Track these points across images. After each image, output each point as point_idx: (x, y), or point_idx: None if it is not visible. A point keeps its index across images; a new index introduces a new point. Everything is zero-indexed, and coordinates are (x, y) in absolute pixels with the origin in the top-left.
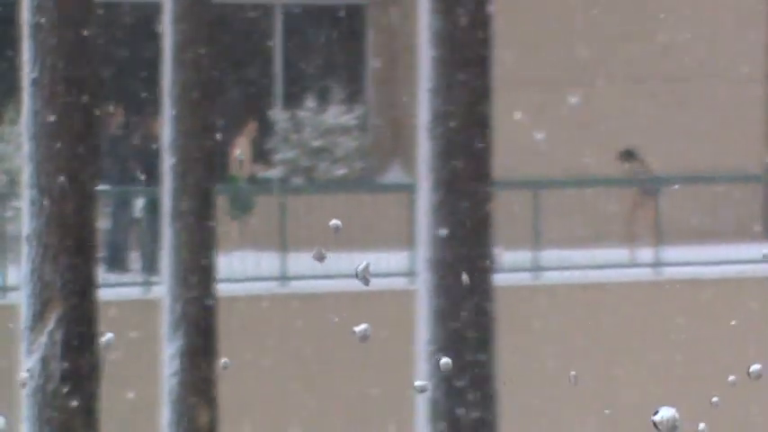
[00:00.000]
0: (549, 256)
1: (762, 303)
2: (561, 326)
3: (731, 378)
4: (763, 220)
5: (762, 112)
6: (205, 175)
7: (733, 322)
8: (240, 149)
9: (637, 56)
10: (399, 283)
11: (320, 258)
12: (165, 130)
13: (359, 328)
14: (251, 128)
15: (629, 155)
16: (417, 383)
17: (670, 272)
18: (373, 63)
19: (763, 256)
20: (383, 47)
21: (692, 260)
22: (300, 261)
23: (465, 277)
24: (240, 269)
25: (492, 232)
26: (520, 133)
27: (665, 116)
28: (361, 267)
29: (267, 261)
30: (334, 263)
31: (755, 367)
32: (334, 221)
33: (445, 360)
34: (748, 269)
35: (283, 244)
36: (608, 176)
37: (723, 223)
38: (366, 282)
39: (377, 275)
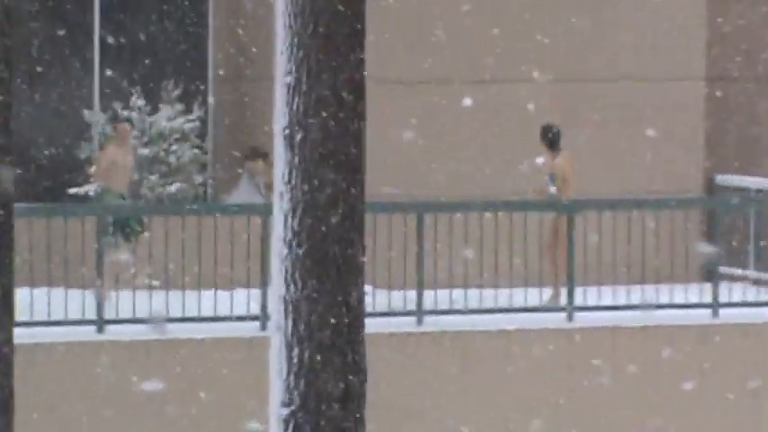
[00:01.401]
0: (436, 296)
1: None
2: (448, 379)
3: None
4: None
5: (700, 118)
6: None
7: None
8: (111, 160)
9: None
10: (250, 328)
11: (160, 327)
12: None
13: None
14: (122, 129)
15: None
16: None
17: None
18: (217, 52)
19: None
20: (229, 31)
21: (610, 304)
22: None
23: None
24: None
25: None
26: (401, 143)
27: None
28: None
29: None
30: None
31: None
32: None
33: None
34: (674, 315)
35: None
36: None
37: (649, 261)
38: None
39: (219, 319)
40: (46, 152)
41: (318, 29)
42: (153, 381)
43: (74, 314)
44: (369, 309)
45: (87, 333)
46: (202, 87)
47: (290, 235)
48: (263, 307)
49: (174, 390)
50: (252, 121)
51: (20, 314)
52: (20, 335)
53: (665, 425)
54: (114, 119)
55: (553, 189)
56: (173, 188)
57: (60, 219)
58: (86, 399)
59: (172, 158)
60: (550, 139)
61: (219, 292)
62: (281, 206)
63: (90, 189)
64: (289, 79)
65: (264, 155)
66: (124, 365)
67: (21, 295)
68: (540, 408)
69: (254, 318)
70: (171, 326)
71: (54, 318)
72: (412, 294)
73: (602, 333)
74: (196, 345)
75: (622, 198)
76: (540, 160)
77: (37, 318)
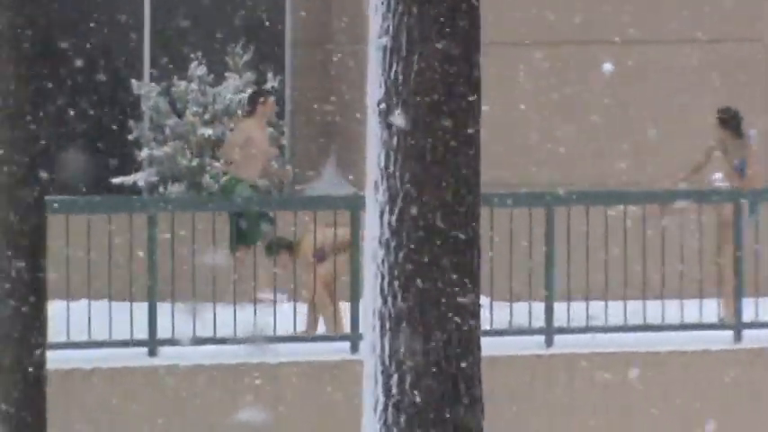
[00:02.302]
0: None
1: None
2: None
3: None
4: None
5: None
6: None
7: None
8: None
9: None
10: (338, 349)
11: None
12: None
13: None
14: (268, 104)
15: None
16: None
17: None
18: (296, 8)
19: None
20: None
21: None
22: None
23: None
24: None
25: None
26: (515, 117)
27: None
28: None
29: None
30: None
31: None
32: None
33: None
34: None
35: (151, 294)
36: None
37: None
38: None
39: (299, 339)
40: (85, 133)
41: None
42: (212, 414)
43: (120, 333)
44: (486, 326)
45: (137, 357)
46: (278, 52)
47: (387, 234)
48: (354, 324)
49: (244, 428)
50: (339, 93)
51: (54, 333)
52: (54, 359)
53: None
54: (169, 92)
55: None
56: None
57: (104, 215)
58: None
59: None
60: (736, 124)
61: (299, 305)
62: (375, 198)
63: (140, 178)
64: (385, 41)
65: None
66: (180, 396)
67: (55, 310)
68: None
69: (343, 338)
70: (237, 348)
71: (96, 338)
72: (539, 308)
73: None
74: (270, 370)
75: None
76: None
77: (75, 338)
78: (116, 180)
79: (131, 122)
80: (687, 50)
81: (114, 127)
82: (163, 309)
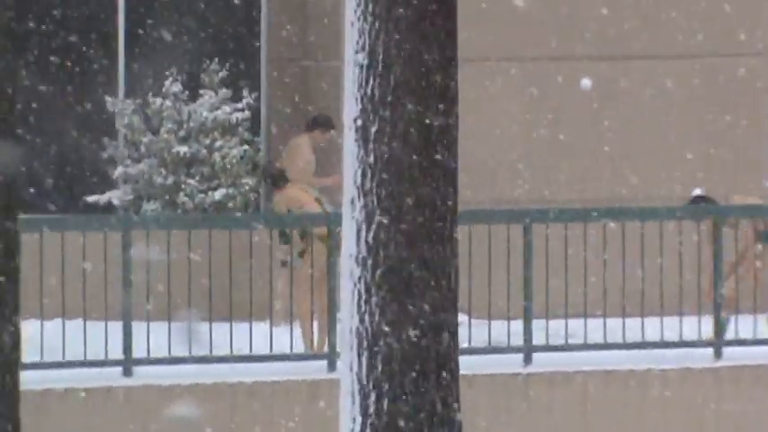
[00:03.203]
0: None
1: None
2: None
3: None
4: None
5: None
6: None
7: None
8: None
9: None
10: (314, 369)
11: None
12: None
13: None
14: (324, 136)
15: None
16: None
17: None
18: (272, 25)
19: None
20: (285, 1)
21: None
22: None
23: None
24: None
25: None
26: (495, 134)
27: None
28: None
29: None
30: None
31: None
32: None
33: None
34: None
35: (126, 314)
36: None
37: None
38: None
39: (275, 358)
40: (58, 151)
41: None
42: None
43: (95, 353)
44: (464, 344)
45: (112, 376)
46: (254, 68)
47: (363, 251)
48: (331, 343)
49: None
50: (315, 109)
51: (27, 353)
52: (27, 379)
53: None
54: (143, 108)
55: None
56: (217, 194)
57: (78, 233)
58: None
59: (216, 157)
60: None
61: (275, 326)
62: (352, 216)
63: (115, 197)
64: (361, 57)
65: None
66: (156, 416)
67: (28, 329)
68: None
69: (320, 357)
70: (216, 367)
71: (70, 357)
72: (518, 326)
73: (758, 372)
74: (246, 390)
75: None
76: None
77: (48, 358)
78: (91, 198)
79: (105, 140)
80: (664, 66)
81: (88, 144)
82: (138, 328)
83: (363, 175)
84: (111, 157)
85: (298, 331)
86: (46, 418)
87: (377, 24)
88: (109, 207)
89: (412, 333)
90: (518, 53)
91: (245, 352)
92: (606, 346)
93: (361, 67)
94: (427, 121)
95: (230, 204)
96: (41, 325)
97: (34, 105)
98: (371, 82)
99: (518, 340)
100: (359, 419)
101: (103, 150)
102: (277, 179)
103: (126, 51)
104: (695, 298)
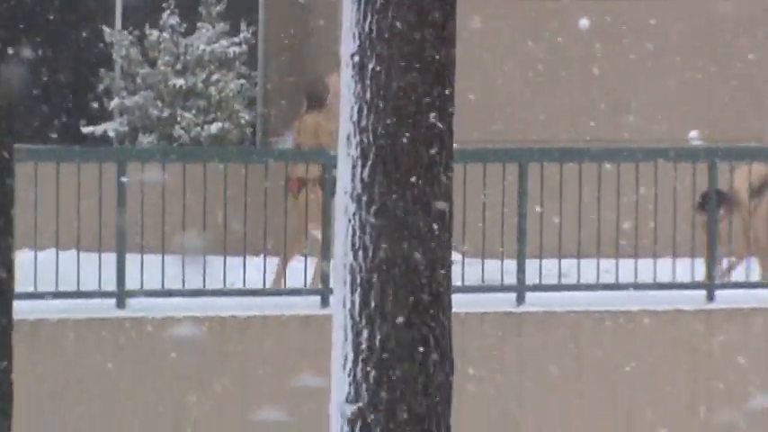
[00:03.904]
0: None
1: None
2: None
3: None
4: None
5: None
6: None
7: None
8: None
9: None
10: (307, 304)
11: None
12: None
13: None
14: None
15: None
16: None
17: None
18: None
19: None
20: None
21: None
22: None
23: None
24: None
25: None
26: (493, 72)
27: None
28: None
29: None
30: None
31: None
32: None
33: None
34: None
35: (121, 244)
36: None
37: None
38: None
39: (268, 293)
40: (54, 81)
41: None
42: (185, 367)
43: (88, 284)
44: (457, 282)
45: (106, 308)
46: (252, 2)
47: (359, 188)
48: (325, 278)
49: (211, 382)
50: (313, 44)
51: (21, 283)
52: (20, 309)
53: None
54: (140, 41)
55: None
56: (213, 128)
57: (73, 165)
58: (103, 388)
59: (212, 90)
60: None
61: (268, 260)
62: (347, 152)
63: (110, 128)
64: None
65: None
66: (148, 349)
67: (22, 259)
68: (668, 405)
69: (313, 292)
70: (209, 300)
71: (63, 288)
72: (511, 265)
73: (751, 316)
74: (239, 324)
75: None
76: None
77: (42, 288)
78: (86, 129)
79: (102, 71)
80: (664, 7)
81: (85, 75)
82: (132, 260)
83: (360, 111)
84: (107, 88)
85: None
86: (38, 347)
87: None
88: (104, 138)
89: (405, 270)
90: None
91: (239, 286)
92: (599, 286)
93: (359, 2)
94: (426, 58)
95: (228, 137)
96: (35, 255)
97: (31, 35)
98: (369, 18)
99: (511, 279)
100: (351, 356)
101: (100, 81)
102: (317, 98)
103: None
104: (689, 240)
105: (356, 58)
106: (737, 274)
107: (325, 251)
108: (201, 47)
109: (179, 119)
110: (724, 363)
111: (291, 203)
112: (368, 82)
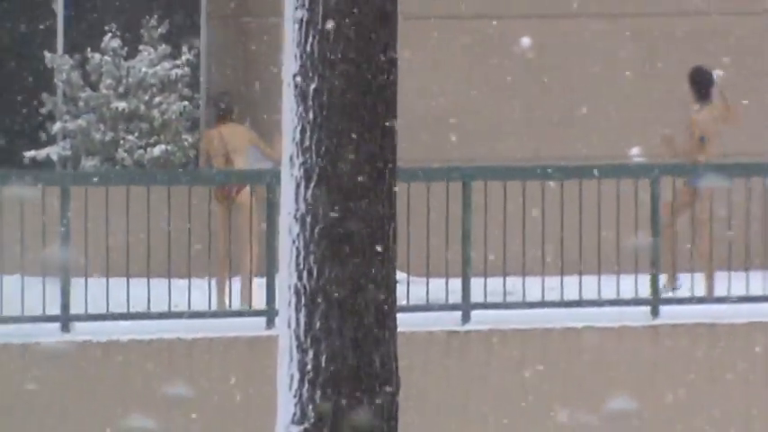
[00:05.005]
0: None
1: None
2: None
3: None
4: None
5: None
6: None
7: None
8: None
9: None
10: (252, 325)
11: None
12: None
13: None
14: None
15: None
16: None
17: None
18: None
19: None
20: None
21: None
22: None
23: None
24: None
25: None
26: (437, 93)
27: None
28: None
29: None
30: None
31: None
32: None
33: None
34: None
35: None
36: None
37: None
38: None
39: (214, 315)
40: None
41: None
42: (127, 389)
43: (33, 309)
44: (402, 301)
45: (50, 332)
46: (194, 25)
47: (302, 209)
48: (269, 299)
49: (156, 405)
50: (255, 67)
51: None
52: None
53: None
54: (82, 65)
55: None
56: (156, 150)
57: (16, 189)
58: (47, 412)
59: (155, 113)
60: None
61: (213, 282)
62: (291, 173)
63: (53, 152)
64: (300, 13)
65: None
66: (93, 371)
67: None
68: (616, 421)
69: (258, 313)
70: (154, 323)
71: (7, 313)
72: (456, 284)
73: (696, 331)
74: (185, 347)
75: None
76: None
77: None
78: (29, 154)
79: (44, 95)
80: (608, 24)
81: (27, 100)
82: (76, 284)
83: (302, 132)
84: (49, 112)
85: (237, 287)
86: None
87: None
88: (47, 162)
89: (350, 290)
90: (458, 11)
91: (184, 308)
92: (544, 304)
93: (301, 23)
94: (367, 78)
95: (171, 159)
96: None
97: None
98: (310, 39)
99: (456, 298)
100: (297, 376)
101: (42, 106)
102: (226, 111)
103: (65, 6)
104: (632, 256)
105: (298, 79)
106: (682, 291)
107: (257, 266)
108: (143, 69)
109: (122, 142)
110: (670, 378)
111: (222, 214)
112: (310, 102)
